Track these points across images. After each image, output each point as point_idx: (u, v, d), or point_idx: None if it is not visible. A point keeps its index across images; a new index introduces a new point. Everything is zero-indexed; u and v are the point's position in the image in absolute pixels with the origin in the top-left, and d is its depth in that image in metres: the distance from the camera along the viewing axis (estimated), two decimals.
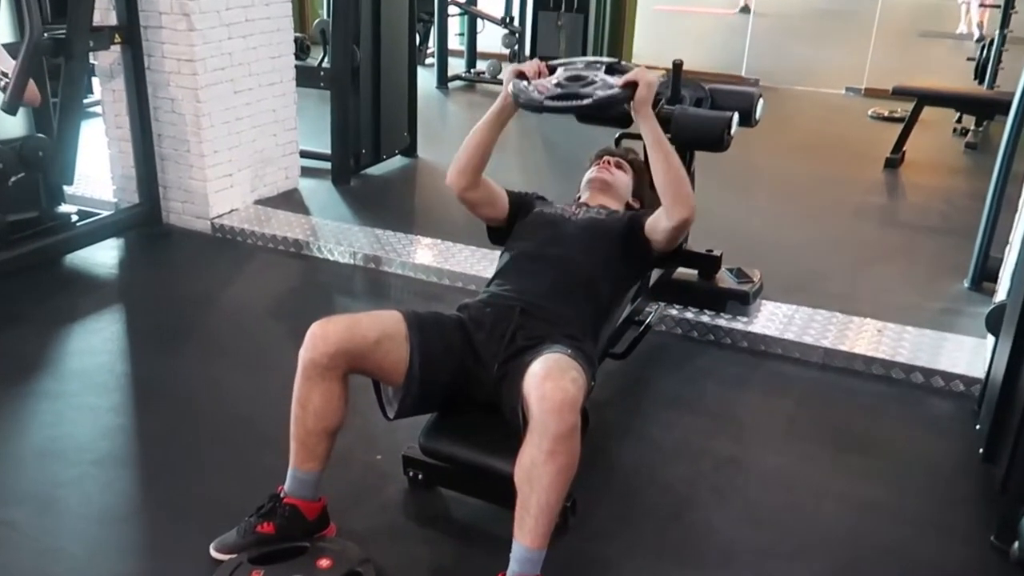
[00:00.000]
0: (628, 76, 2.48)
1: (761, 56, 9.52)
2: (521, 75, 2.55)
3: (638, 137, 3.44)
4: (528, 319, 2.36)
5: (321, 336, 2.16)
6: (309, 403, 2.19)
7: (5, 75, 3.70)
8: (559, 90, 2.48)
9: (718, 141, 3.26)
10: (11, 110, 3.72)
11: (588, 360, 2.30)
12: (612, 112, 2.51)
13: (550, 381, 2.00)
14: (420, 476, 2.55)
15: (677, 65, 3.40)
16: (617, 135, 3.47)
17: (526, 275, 2.51)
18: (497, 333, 2.34)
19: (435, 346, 2.28)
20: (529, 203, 2.82)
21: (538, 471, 1.98)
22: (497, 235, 2.81)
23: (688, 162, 3.49)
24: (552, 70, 2.60)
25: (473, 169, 2.64)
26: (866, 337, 3.50)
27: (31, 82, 3.77)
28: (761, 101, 3.42)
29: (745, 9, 12.99)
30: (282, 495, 2.27)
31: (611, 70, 2.57)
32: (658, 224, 2.55)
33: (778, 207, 5.32)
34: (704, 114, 3.33)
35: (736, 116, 3.28)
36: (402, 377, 2.25)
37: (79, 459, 2.73)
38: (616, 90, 2.45)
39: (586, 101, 2.43)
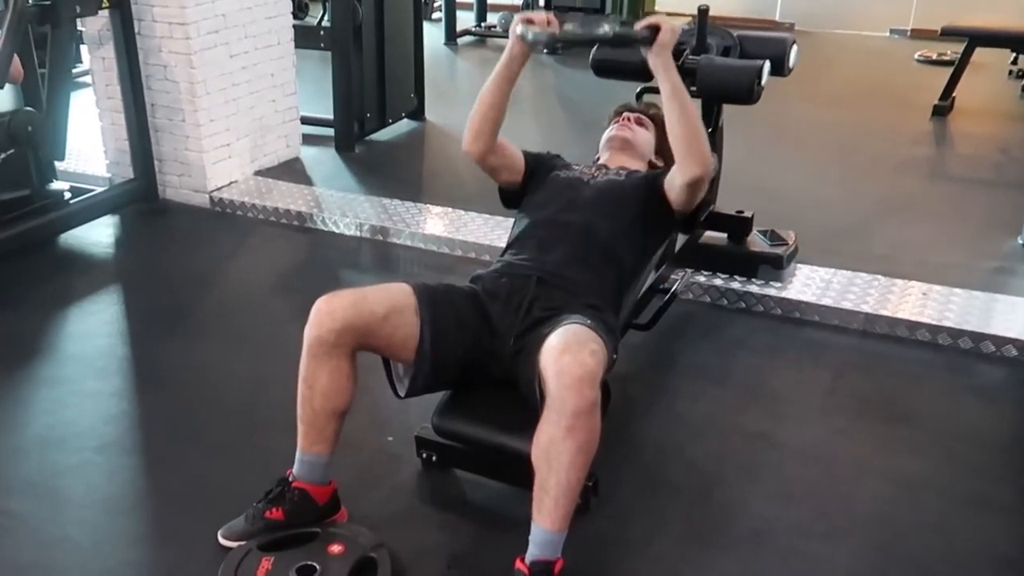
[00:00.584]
0: (650, 19, 2.50)
1: None
2: (529, 22, 2.57)
3: (658, 91, 3.49)
4: (545, 288, 2.41)
5: (327, 312, 2.21)
6: (316, 383, 2.24)
7: None
8: (572, 26, 2.51)
9: (747, 93, 3.27)
10: None
11: (609, 331, 2.34)
12: (632, 44, 2.52)
13: (568, 354, 2.04)
14: (434, 457, 2.61)
15: (703, 11, 3.42)
16: (639, 89, 3.49)
17: (543, 243, 2.55)
18: (513, 304, 2.38)
19: (447, 320, 2.33)
20: (545, 165, 2.85)
21: (556, 449, 2.02)
22: (510, 199, 2.84)
23: (716, 116, 3.52)
24: (562, 23, 2.63)
25: (489, 131, 2.67)
26: (910, 301, 3.53)
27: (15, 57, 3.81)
28: (795, 48, 3.43)
29: None
30: (291, 479, 2.33)
31: (624, 26, 2.60)
32: (673, 182, 2.58)
33: (815, 162, 5.32)
34: (732, 64, 3.35)
35: (767, 65, 3.29)
36: (413, 353, 2.29)
37: (81, 446, 2.82)
38: (637, 28, 2.49)
39: (602, 32, 2.47)
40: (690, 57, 3.38)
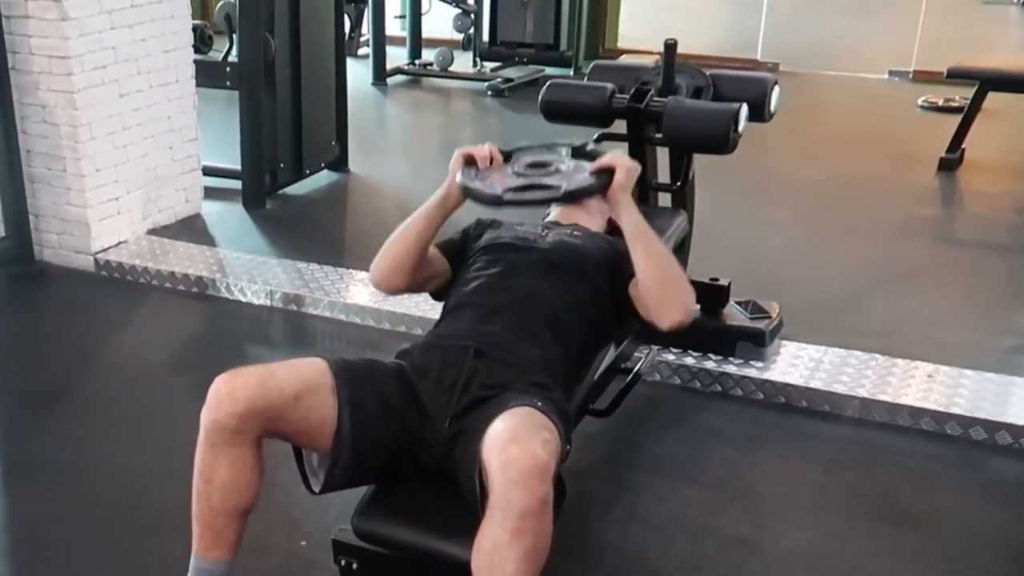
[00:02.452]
0: (602, 161, 2.56)
1: (782, 35, 9.74)
2: (470, 161, 2.62)
3: (621, 138, 3.59)
4: (485, 363, 2.42)
5: (227, 392, 2.22)
6: (215, 476, 2.24)
7: None
8: (520, 180, 2.57)
9: (722, 140, 3.34)
10: None
11: (562, 415, 2.35)
12: (589, 194, 2.60)
13: (516, 444, 2.04)
14: (355, 565, 2.57)
15: (670, 46, 3.53)
16: (595, 136, 3.57)
17: (482, 311, 2.57)
18: (447, 381, 2.40)
19: (369, 401, 2.34)
20: (474, 238, 2.87)
21: (501, 556, 2.03)
22: (442, 294, 2.86)
23: (686, 167, 3.60)
24: (507, 156, 2.68)
25: (410, 268, 2.70)
26: (913, 384, 3.59)
27: None
28: (777, 89, 3.53)
29: None
30: None
31: (578, 153, 2.66)
32: (643, 309, 2.63)
33: (803, 222, 5.42)
34: (704, 107, 3.44)
35: (745, 108, 3.37)
36: (329, 440, 2.30)
37: None
38: (588, 177, 2.54)
39: (555, 192, 2.53)
40: (655, 99, 3.46)
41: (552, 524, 2.09)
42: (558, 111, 3.61)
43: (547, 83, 3.73)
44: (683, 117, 3.39)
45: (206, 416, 2.23)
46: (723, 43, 9.81)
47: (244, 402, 2.20)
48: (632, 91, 3.51)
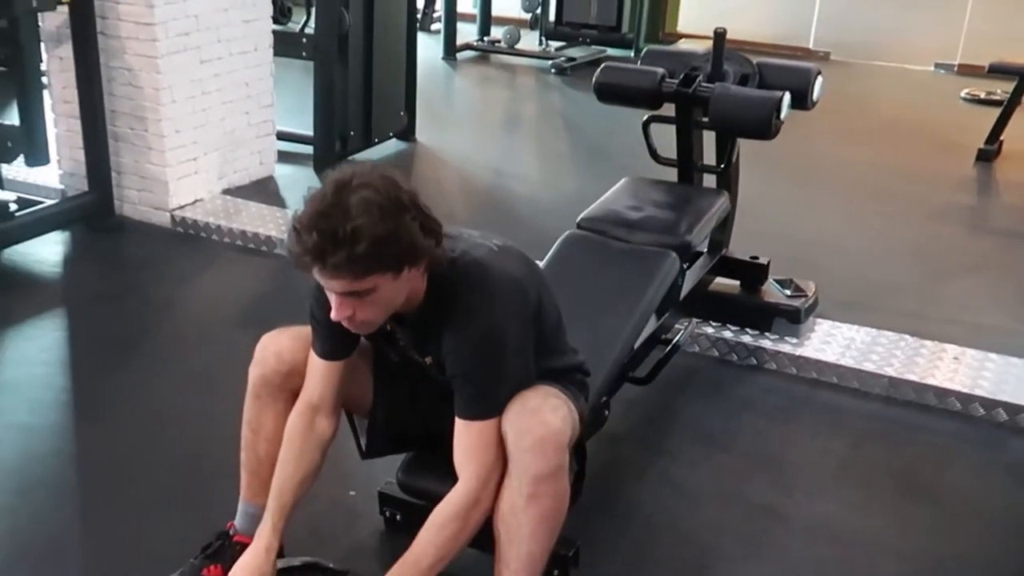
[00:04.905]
0: None
1: (834, 25, 9.57)
2: None
3: (669, 120, 3.56)
4: None
5: (274, 351, 2.22)
6: (261, 427, 2.25)
7: None
8: None
9: (765, 126, 3.31)
10: None
11: (579, 385, 2.33)
12: None
13: (529, 414, 2.03)
14: (398, 517, 2.61)
15: (719, 34, 3.49)
16: (645, 118, 3.54)
17: None
18: None
19: (402, 394, 2.33)
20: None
21: (517, 519, 2.03)
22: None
23: (730, 151, 3.56)
24: None
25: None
26: (941, 365, 3.54)
27: None
28: (820, 79, 3.48)
29: None
30: (232, 533, 2.34)
31: None
32: None
33: (844, 206, 5.35)
34: (749, 94, 3.40)
35: (787, 97, 3.33)
36: (367, 411, 2.31)
37: (6, 487, 2.83)
38: None
39: None
40: (703, 84, 3.43)
41: (568, 487, 2.09)
42: (610, 92, 3.59)
43: (601, 65, 3.68)
44: (728, 103, 3.35)
45: (253, 371, 2.25)
46: (777, 31, 9.63)
47: (289, 362, 2.22)
48: (681, 76, 3.47)
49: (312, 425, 2.23)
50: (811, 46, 9.05)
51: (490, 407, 2.06)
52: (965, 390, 3.40)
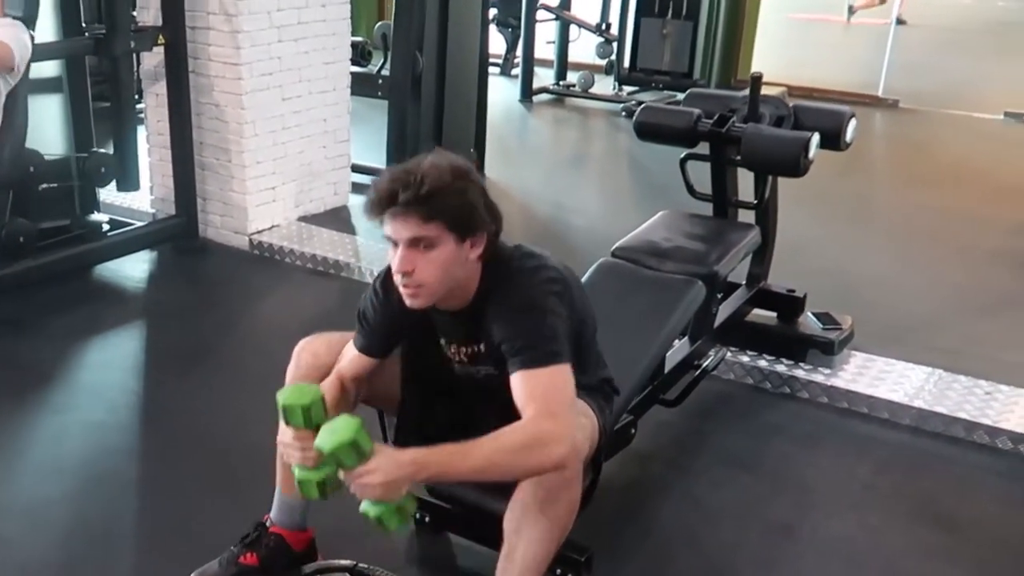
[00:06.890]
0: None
1: (904, 73, 9.48)
2: None
3: (705, 158, 3.62)
4: None
5: (310, 352, 2.33)
6: None
7: None
8: None
9: (793, 165, 3.37)
10: None
11: (605, 398, 2.39)
12: None
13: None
14: (427, 518, 2.68)
15: (755, 78, 3.56)
16: (683, 155, 3.60)
17: None
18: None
19: (431, 400, 2.39)
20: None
21: (528, 521, 2.09)
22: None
23: (763, 186, 3.62)
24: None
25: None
26: (972, 400, 3.52)
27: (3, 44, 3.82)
28: (853, 121, 3.53)
29: (900, 21, 12.65)
30: (268, 524, 2.44)
31: None
32: None
33: (895, 246, 5.33)
34: (778, 134, 3.46)
35: (816, 137, 3.37)
36: (396, 410, 2.40)
37: (78, 476, 3.03)
38: None
39: None
40: (736, 125, 3.49)
41: (579, 498, 2.12)
42: (649, 131, 3.67)
43: (641, 106, 3.77)
44: (759, 142, 3.42)
45: (290, 372, 2.35)
46: (847, 79, 9.59)
47: (324, 362, 2.32)
48: (716, 117, 3.54)
49: (342, 387, 2.31)
50: (880, 94, 8.99)
51: (546, 354, 2.04)
52: (994, 424, 3.37)
